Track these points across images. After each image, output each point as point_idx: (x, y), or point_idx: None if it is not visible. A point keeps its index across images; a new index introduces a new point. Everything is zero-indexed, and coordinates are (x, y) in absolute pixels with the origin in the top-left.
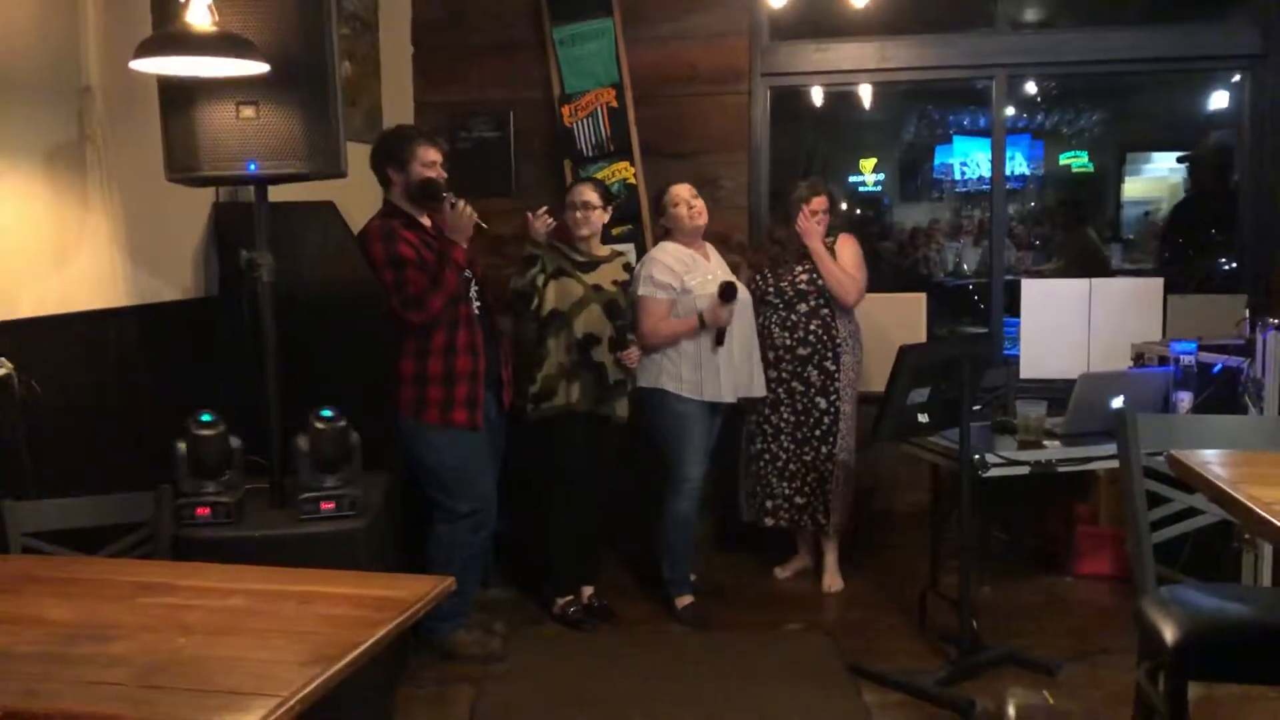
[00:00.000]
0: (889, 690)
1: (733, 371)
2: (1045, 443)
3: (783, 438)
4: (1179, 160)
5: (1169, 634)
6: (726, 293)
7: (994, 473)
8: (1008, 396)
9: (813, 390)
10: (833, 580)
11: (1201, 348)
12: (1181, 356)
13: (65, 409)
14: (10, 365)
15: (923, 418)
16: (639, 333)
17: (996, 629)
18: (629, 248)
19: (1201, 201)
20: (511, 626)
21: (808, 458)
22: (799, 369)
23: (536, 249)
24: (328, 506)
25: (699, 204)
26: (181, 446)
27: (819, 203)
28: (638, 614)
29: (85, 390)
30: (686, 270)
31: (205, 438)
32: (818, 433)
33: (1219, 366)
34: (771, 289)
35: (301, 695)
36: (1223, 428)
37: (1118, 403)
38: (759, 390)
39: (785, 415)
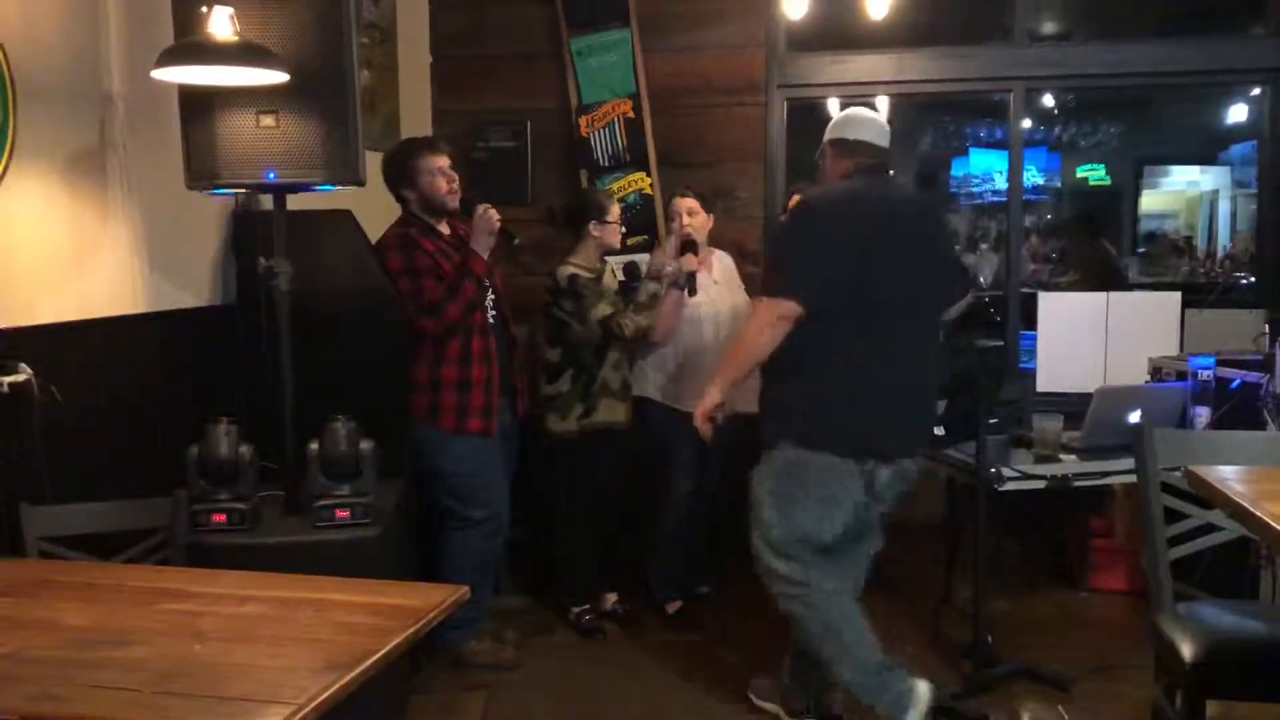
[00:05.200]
0: None
1: None
2: (1061, 457)
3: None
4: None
5: (1187, 651)
6: (685, 247)
7: (1010, 486)
8: (1024, 410)
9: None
10: None
11: (1220, 362)
12: (1199, 371)
13: (82, 414)
14: (29, 371)
15: (938, 430)
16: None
17: (1010, 643)
18: (644, 258)
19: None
20: (523, 635)
21: None
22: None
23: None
24: (342, 514)
25: (695, 220)
26: (196, 452)
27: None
28: (649, 624)
29: (102, 396)
30: None
31: (220, 444)
32: None
33: (1237, 381)
34: None
35: (315, 703)
36: (1241, 443)
37: (1135, 417)
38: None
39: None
